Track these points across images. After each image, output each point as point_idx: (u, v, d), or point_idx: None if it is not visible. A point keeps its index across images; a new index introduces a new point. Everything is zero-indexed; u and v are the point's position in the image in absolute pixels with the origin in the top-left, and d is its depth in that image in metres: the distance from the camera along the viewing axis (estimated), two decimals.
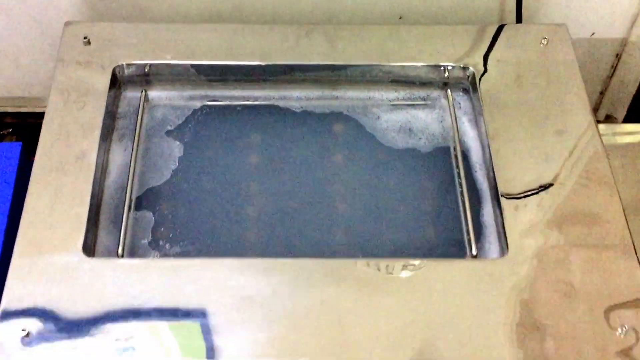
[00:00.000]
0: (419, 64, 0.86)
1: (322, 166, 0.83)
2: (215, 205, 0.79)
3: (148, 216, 0.77)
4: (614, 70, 1.17)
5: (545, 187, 0.76)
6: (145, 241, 0.75)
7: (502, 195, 0.76)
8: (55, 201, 0.72)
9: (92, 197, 0.73)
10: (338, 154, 0.84)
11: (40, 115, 1.04)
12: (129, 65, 0.84)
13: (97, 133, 0.78)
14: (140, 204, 0.78)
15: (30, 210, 0.72)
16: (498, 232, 0.76)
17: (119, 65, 0.84)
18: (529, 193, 0.75)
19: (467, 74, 0.86)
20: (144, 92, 0.85)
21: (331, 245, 0.77)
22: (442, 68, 0.86)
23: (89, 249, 0.71)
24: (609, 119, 1.29)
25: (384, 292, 0.69)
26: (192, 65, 0.85)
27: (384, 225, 0.79)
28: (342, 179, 0.82)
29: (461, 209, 0.79)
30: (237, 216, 0.78)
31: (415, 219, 0.79)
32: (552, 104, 0.83)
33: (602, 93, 1.23)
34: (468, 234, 0.76)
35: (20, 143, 1.01)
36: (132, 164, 0.79)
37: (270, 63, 0.85)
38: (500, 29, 0.90)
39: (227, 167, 0.82)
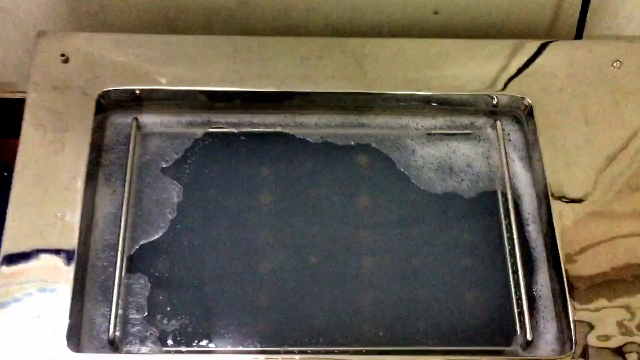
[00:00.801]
0: (465, 93, 0.72)
1: (345, 211, 0.70)
2: (221, 263, 0.67)
3: (142, 281, 0.65)
4: None
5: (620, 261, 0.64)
6: (139, 316, 0.64)
7: (564, 265, 0.64)
8: (30, 275, 0.60)
9: (77, 269, 0.61)
10: (364, 197, 0.71)
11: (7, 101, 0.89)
12: (117, 91, 0.69)
13: (80, 183, 0.64)
14: (132, 264, 0.66)
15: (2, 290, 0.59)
16: (557, 314, 0.64)
17: (105, 92, 0.69)
18: (602, 272, 0.63)
19: (525, 103, 0.72)
20: (135, 121, 0.71)
21: (356, 316, 0.65)
22: (490, 97, 0.72)
23: (75, 338, 0.59)
24: None
25: None
26: (193, 91, 0.70)
27: (418, 290, 0.67)
28: (369, 229, 0.69)
29: (511, 274, 0.67)
30: (246, 278, 0.66)
31: (455, 282, 0.67)
32: (629, 150, 0.69)
33: None
34: (519, 306, 0.65)
35: None
36: (124, 219, 0.66)
37: (285, 90, 0.70)
38: (546, 45, 0.75)
39: (233, 213, 0.69)
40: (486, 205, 0.70)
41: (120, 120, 0.72)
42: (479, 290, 0.67)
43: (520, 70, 0.72)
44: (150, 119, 0.73)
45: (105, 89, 0.69)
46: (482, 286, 0.67)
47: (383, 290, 0.65)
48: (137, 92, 0.70)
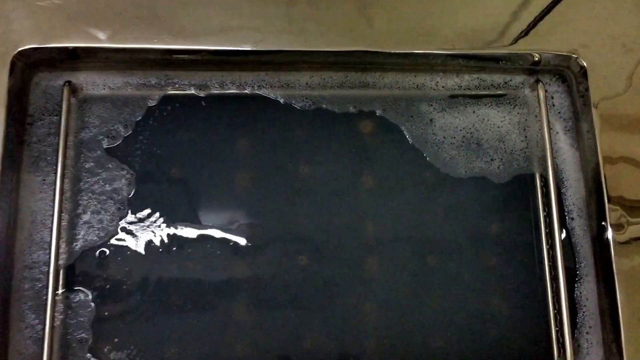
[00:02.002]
0: (500, 52, 0.55)
1: (343, 199, 0.56)
2: (187, 272, 0.53)
3: (85, 300, 0.51)
4: None
5: None
6: (81, 348, 0.50)
7: (617, 274, 0.51)
8: None
9: None
10: (367, 179, 0.57)
11: None
12: (38, 50, 0.52)
13: None
14: (71, 278, 0.51)
15: None
16: (605, 337, 0.52)
17: (22, 52, 0.51)
18: None
19: (579, 63, 0.55)
20: (67, 86, 0.54)
21: (356, 331, 0.54)
22: (532, 55, 0.56)
23: None
24: None
25: None
26: (142, 50, 0.52)
27: (432, 298, 0.55)
28: (373, 220, 0.56)
29: (548, 282, 0.54)
30: (220, 288, 0.53)
31: (479, 289, 0.55)
32: None
33: None
34: (558, 324, 0.52)
35: None
36: (57, 217, 0.51)
37: (265, 49, 0.53)
38: None
39: (202, 204, 0.54)
40: (521, 192, 0.57)
41: (49, 82, 0.55)
42: (508, 299, 0.55)
43: (569, 16, 0.55)
44: (89, 80, 0.56)
45: (22, 48, 0.51)
46: (513, 295, 0.55)
47: (390, 298, 0.54)
48: (70, 48, 0.52)
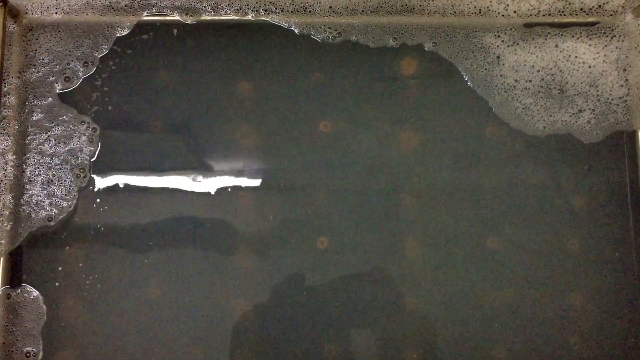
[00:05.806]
0: None
1: (378, 161, 0.45)
2: (167, 263, 0.42)
3: (32, 298, 0.39)
4: None
5: None
6: None
7: None
8: None
9: None
10: (409, 138, 0.45)
11: None
12: None
13: None
14: (17, 269, 0.40)
15: None
16: None
17: None
18: None
19: None
20: (2, 8, 0.41)
21: (391, 341, 0.43)
22: None
23: None
24: None
25: None
26: None
27: (496, 295, 0.44)
28: (418, 192, 0.45)
29: None
30: (211, 279, 0.43)
31: (557, 285, 0.44)
32: None
33: None
34: None
35: None
36: None
37: None
38: None
39: (189, 170, 0.44)
40: (618, 155, 0.45)
41: None
42: (595, 298, 0.43)
43: None
44: (36, 0, 0.42)
45: None
46: (602, 292, 0.43)
47: (438, 295, 0.43)
48: None
